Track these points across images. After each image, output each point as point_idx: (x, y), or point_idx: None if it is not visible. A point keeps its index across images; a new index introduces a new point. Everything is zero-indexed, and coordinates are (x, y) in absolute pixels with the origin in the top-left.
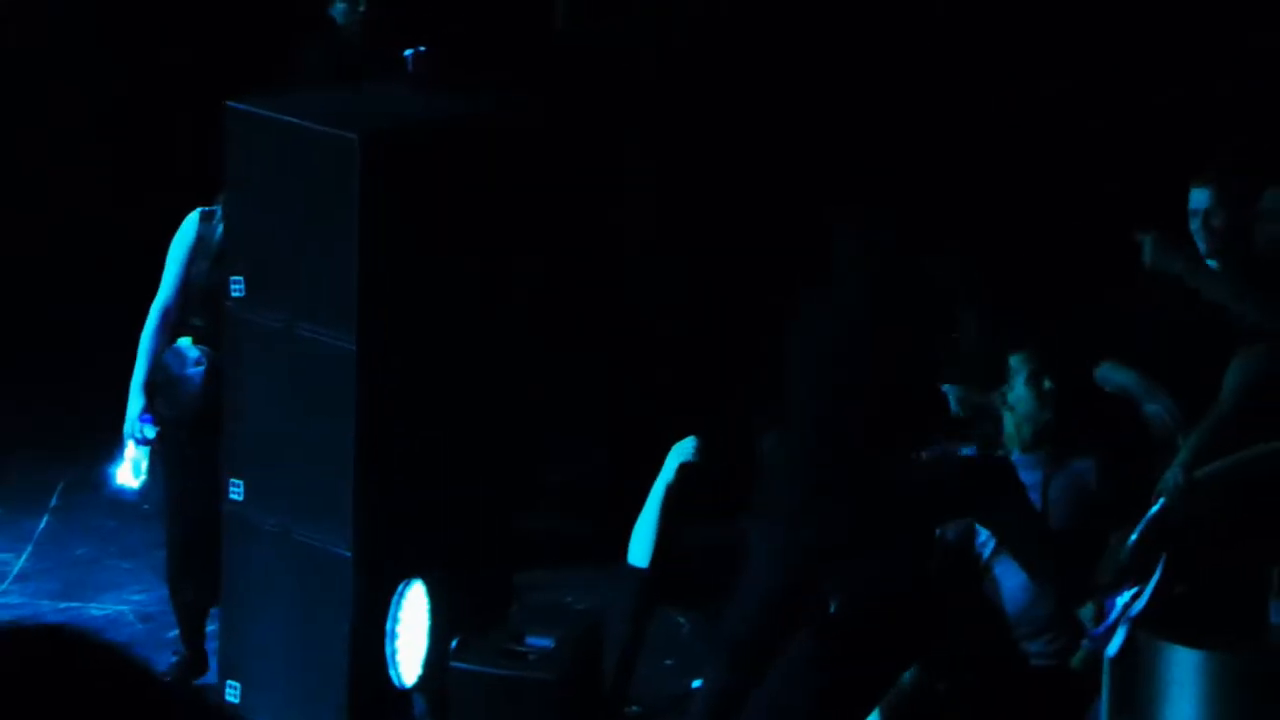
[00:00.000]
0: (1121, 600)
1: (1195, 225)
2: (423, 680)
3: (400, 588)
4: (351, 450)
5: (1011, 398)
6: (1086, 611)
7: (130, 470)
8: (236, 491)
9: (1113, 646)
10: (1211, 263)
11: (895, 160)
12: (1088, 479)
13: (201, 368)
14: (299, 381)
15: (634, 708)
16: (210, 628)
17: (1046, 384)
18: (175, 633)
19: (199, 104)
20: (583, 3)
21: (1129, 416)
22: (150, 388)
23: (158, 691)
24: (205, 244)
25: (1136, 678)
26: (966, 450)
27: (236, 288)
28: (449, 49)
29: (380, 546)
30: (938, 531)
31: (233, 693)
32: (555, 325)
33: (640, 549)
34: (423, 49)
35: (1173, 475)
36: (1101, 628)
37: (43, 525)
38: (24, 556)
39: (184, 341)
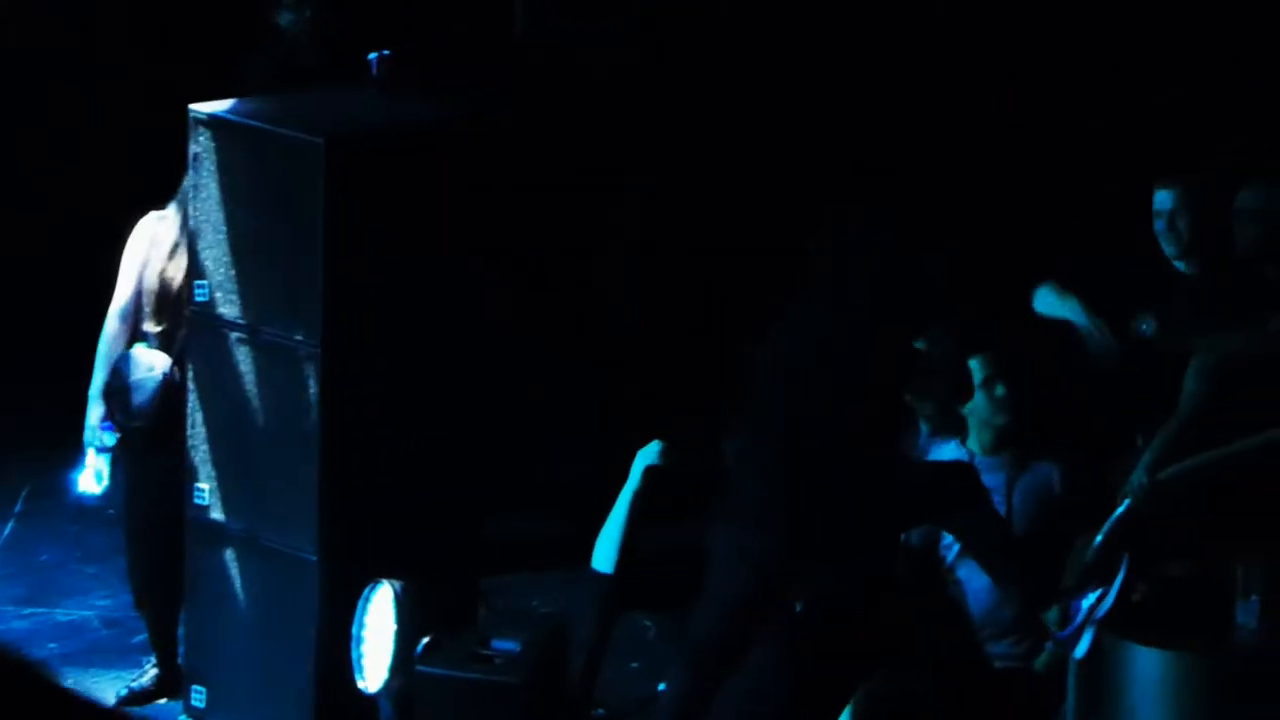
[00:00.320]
0: (1087, 602)
1: (1160, 226)
2: (389, 684)
3: (366, 591)
4: (316, 454)
5: (970, 403)
6: (1052, 615)
7: (92, 477)
8: (201, 496)
9: (1080, 649)
10: (1179, 264)
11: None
12: (1052, 481)
13: (155, 373)
14: (264, 385)
15: (599, 711)
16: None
17: (999, 389)
18: (141, 638)
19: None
20: (542, 6)
21: (1093, 419)
22: (108, 394)
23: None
24: (158, 248)
25: (1102, 679)
26: (946, 448)
27: (200, 292)
28: (413, 52)
29: (346, 550)
30: (902, 535)
31: (198, 698)
32: (527, 328)
33: (605, 554)
34: (387, 52)
35: (1137, 477)
36: (1068, 630)
37: (7, 531)
38: None
39: (139, 347)
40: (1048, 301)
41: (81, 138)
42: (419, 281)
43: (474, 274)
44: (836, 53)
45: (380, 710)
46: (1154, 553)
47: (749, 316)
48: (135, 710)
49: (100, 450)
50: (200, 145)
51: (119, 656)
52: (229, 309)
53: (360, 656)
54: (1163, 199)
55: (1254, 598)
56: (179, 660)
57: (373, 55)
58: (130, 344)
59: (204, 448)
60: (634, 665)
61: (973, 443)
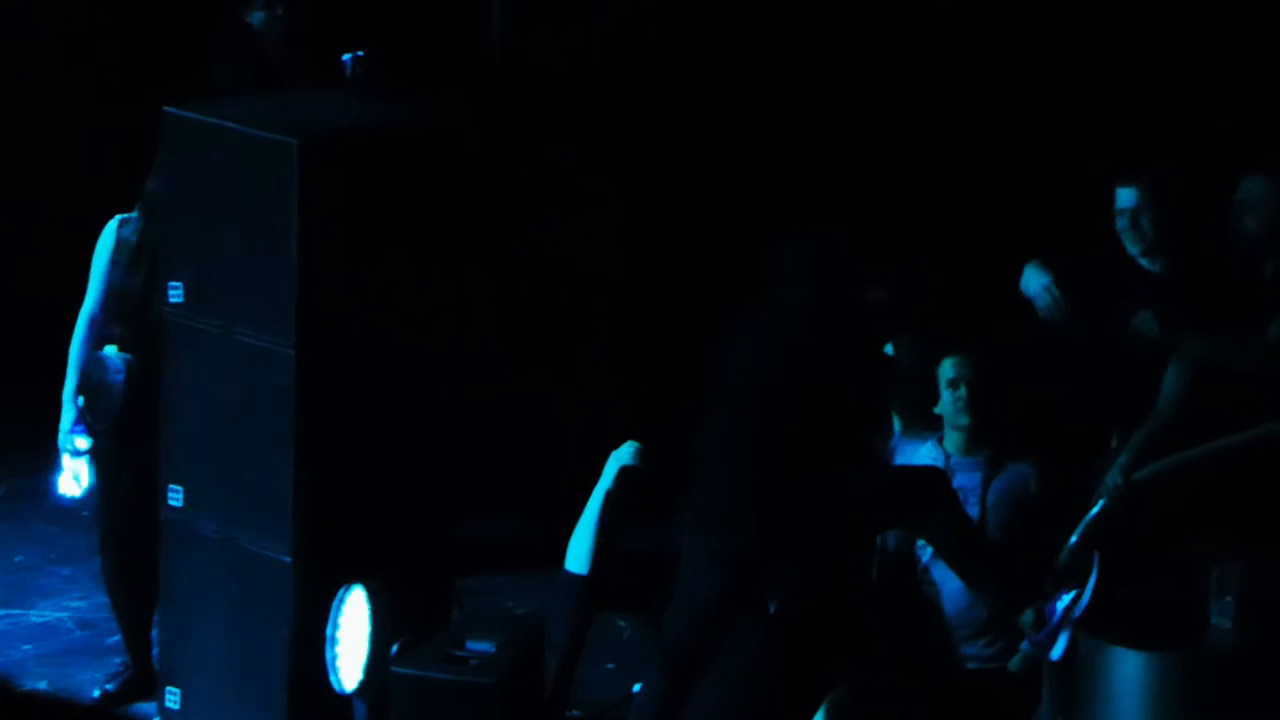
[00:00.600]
0: (1061, 604)
1: (1122, 224)
2: (363, 685)
3: (341, 593)
4: (291, 455)
5: (939, 406)
6: (1027, 617)
7: (70, 479)
8: (175, 498)
9: (1056, 650)
10: (1144, 262)
11: (845, 176)
12: (1027, 482)
13: (122, 375)
14: (238, 387)
15: (575, 712)
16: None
17: (961, 391)
18: (116, 639)
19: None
20: (518, 11)
21: (1069, 420)
22: (78, 397)
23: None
24: (122, 251)
25: (1077, 680)
26: (922, 448)
27: (175, 293)
28: (386, 54)
29: (320, 552)
30: (878, 537)
31: (172, 699)
32: (501, 329)
33: (579, 555)
34: (360, 53)
35: (1111, 477)
36: (1043, 633)
37: None
38: None
39: (108, 349)
40: (1030, 277)
41: (51, 138)
42: (393, 283)
43: (448, 275)
44: (789, 69)
45: (355, 711)
46: (1130, 553)
47: (719, 318)
48: (110, 711)
49: (75, 453)
50: (174, 146)
51: (93, 658)
52: (203, 310)
53: (335, 657)
54: (1125, 196)
55: (1228, 598)
56: (153, 661)
57: (347, 56)
58: (99, 347)
59: (178, 449)
60: (609, 666)
61: (948, 443)
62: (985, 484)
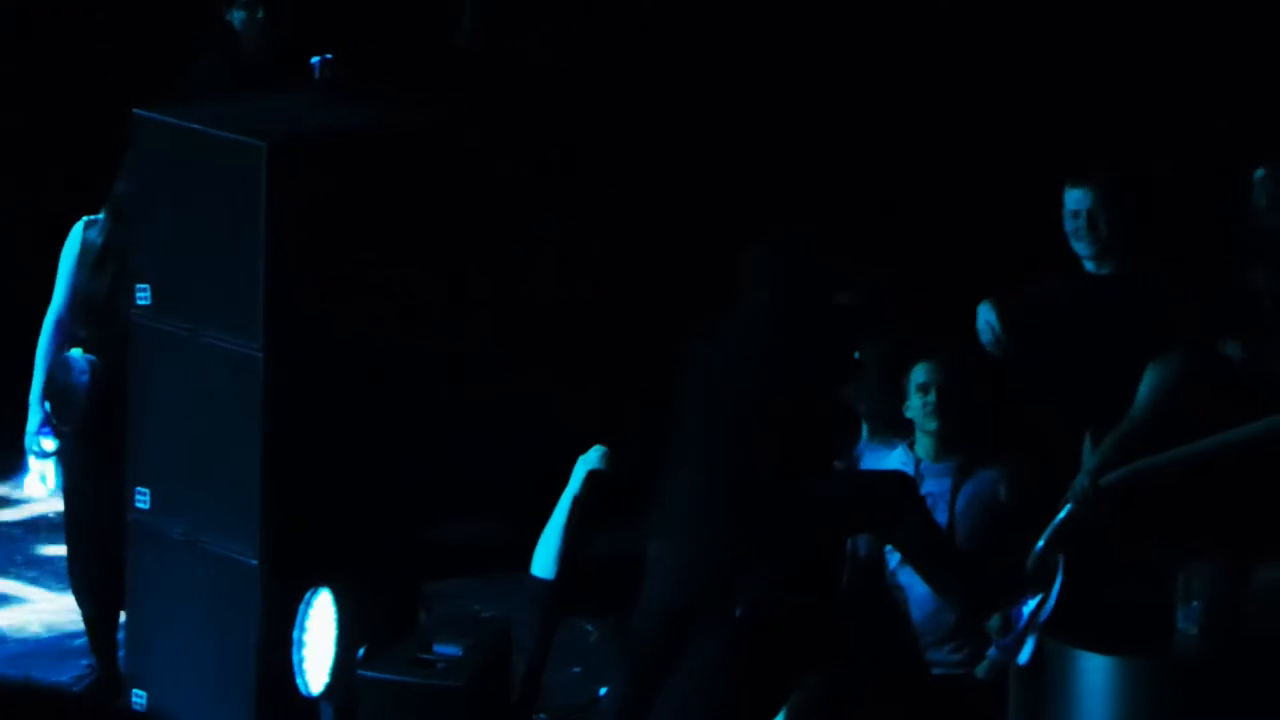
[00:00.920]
0: (1027, 609)
1: (1074, 225)
2: (330, 688)
3: (307, 596)
4: (258, 458)
5: (907, 407)
6: (994, 622)
7: (38, 481)
8: (142, 500)
9: (1023, 655)
10: (1090, 264)
11: (815, 181)
12: (997, 488)
13: (86, 376)
14: (205, 389)
15: (541, 715)
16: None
17: (931, 396)
18: (81, 642)
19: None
20: (488, 14)
21: (1038, 425)
22: (45, 399)
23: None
24: (88, 253)
25: (1044, 685)
26: (892, 454)
27: (142, 296)
28: (357, 56)
29: (287, 555)
30: (848, 542)
31: (139, 701)
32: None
33: (545, 560)
34: (329, 56)
35: (1080, 480)
36: (1009, 637)
37: None
38: None
39: (74, 351)
40: (979, 314)
41: (18, 140)
42: (361, 286)
43: (416, 279)
44: (759, 73)
45: (321, 714)
46: (1096, 558)
47: (688, 323)
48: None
49: (41, 455)
50: (141, 148)
51: (58, 660)
52: (171, 313)
53: (301, 661)
54: (1079, 197)
55: (1195, 603)
56: (119, 664)
57: (315, 59)
58: (66, 349)
59: (145, 451)
60: (576, 669)
61: (919, 448)
62: (955, 489)
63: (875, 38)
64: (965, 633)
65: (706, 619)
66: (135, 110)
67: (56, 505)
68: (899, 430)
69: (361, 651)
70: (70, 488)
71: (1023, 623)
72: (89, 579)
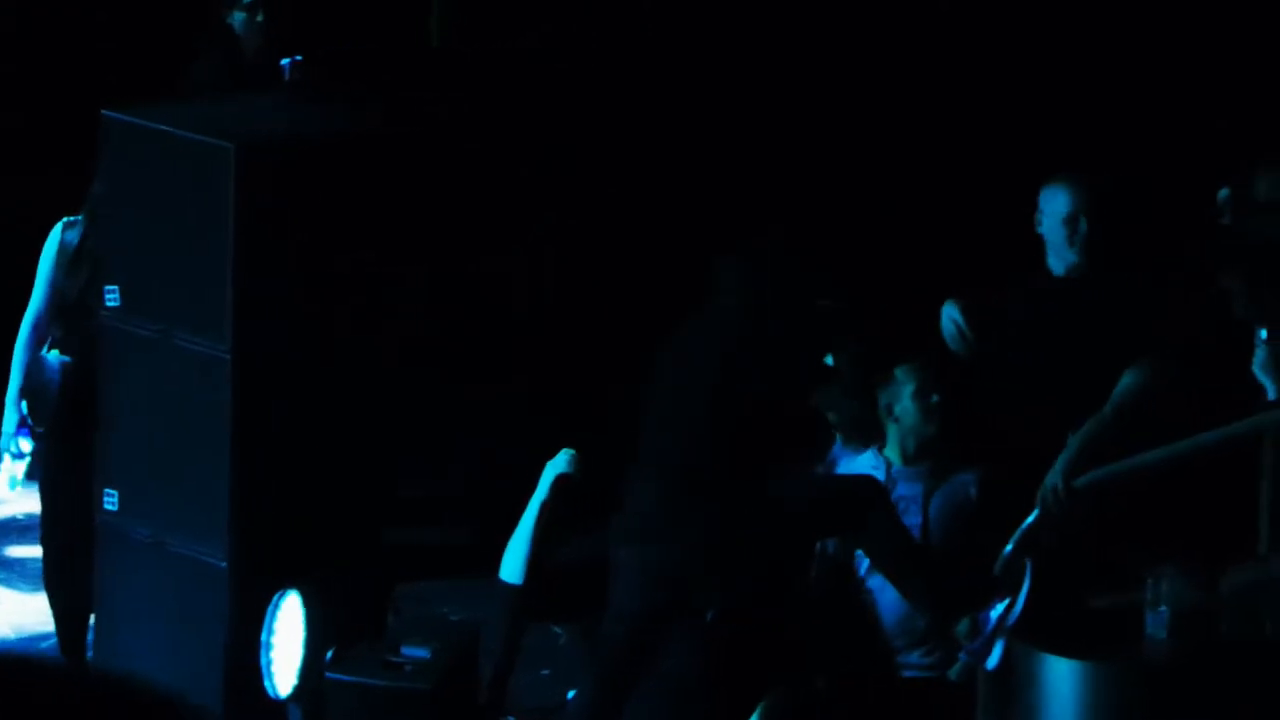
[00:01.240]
0: (995, 613)
1: (1050, 225)
2: (298, 691)
3: (275, 598)
4: (226, 460)
5: (898, 409)
6: (962, 626)
7: (6, 482)
8: (111, 501)
9: (992, 660)
10: (1055, 265)
11: (786, 186)
12: (970, 492)
13: (58, 376)
14: (174, 391)
15: (509, 718)
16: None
17: (934, 399)
18: (50, 643)
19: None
20: (458, 18)
21: (1012, 429)
22: (20, 399)
23: None
24: (65, 254)
25: (1011, 688)
26: (861, 457)
27: (111, 297)
28: (327, 57)
29: (255, 557)
30: (817, 545)
31: None
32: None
33: (513, 565)
34: (299, 58)
35: (1051, 479)
36: (978, 642)
37: None
38: None
39: (52, 353)
40: (944, 313)
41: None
42: (329, 288)
43: (384, 281)
44: (729, 78)
45: (290, 716)
46: (1065, 561)
47: (655, 326)
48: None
49: (17, 455)
50: (111, 149)
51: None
52: (140, 314)
53: (270, 663)
54: (1059, 198)
55: (1163, 608)
56: (86, 663)
57: (285, 60)
58: (43, 349)
59: (114, 452)
60: (544, 672)
61: (892, 452)
62: (928, 494)
63: (857, 45)
64: (935, 637)
65: (675, 624)
66: (103, 111)
67: (27, 506)
68: (869, 436)
69: (330, 654)
70: (46, 488)
71: (990, 627)
72: (61, 578)
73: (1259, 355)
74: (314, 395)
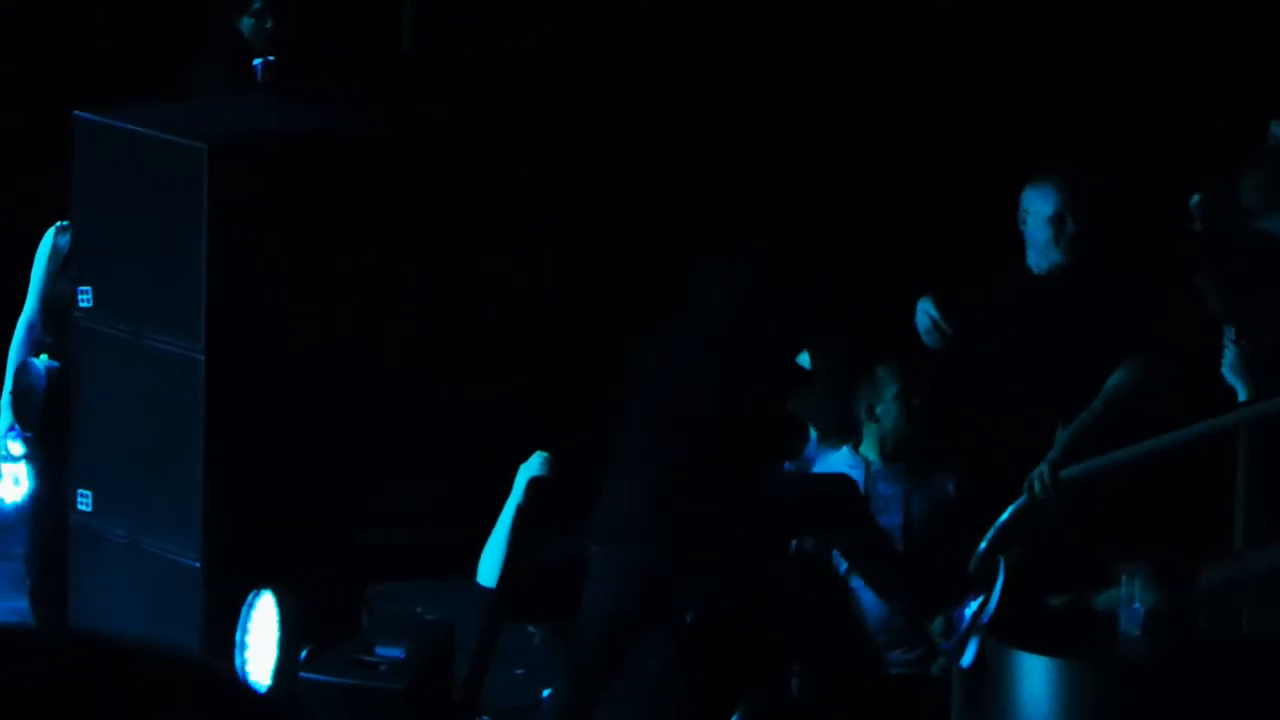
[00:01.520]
0: (969, 611)
1: (1035, 223)
2: (272, 690)
3: (250, 597)
4: (200, 460)
5: (880, 410)
6: (937, 625)
7: (11, 485)
8: (84, 502)
9: (966, 658)
10: (1037, 264)
11: (767, 193)
12: (949, 491)
13: (43, 381)
14: (147, 391)
15: (484, 717)
16: None
17: (916, 400)
18: None
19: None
20: (431, 19)
21: (993, 428)
22: (11, 402)
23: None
24: (56, 258)
25: (986, 686)
26: (836, 455)
27: (84, 298)
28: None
29: (229, 556)
30: (794, 542)
31: None
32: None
33: (490, 569)
34: (271, 59)
35: (1038, 472)
36: (952, 640)
37: None
38: None
39: (40, 358)
40: (919, 310)
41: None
42: (302, 288)
43: (358, 282)
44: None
45: None
46: (1039, 559)
47: (631, 327)
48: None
49: (8, 459)
50: (84, 150)
51: None
52: (113, 315)
53: (244, 662)
54: (1046, 198)
55: (1138, 606)
56: None
57: (258, 61)
58: (36, 353)
59: (88, 453)
60: (519, 671)
61: (870, 450)
62: (907, 493)
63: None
64: (918, 633)
65: (654, 625)
66: (76, 112)
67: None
68: (842, 434)
69: (304, 653)
70: (35, 488)
71: (965, 625)
72: (45, 579)
73: (1228, 356)
74: (287, 395)
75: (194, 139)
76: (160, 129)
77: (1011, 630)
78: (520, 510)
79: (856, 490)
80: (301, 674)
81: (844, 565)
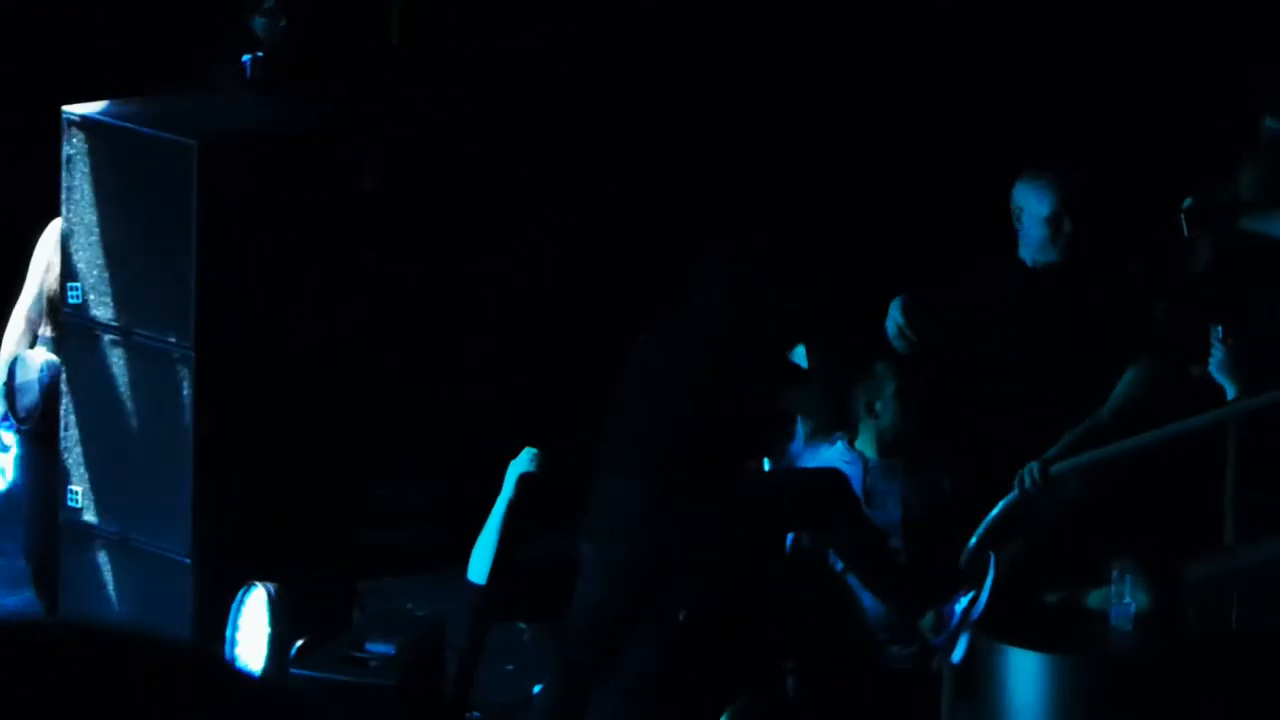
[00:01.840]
0: (960, 606)
1: (1029, 222)
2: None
3: (240, 594)
4: (190, 456)
5: (879, 406)
6: (927, 620)
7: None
8: (74, 498)
9: (957, 653)
10: (1030, 260)
11: (767, 193)
12: (944, 486)
13: (41, 375)
14: (137, 387)
15: (474, 714)
16: None
17: (914, 397)
18: None
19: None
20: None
21: (991, 425)
22: (5, 394)
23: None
24: (58, 253)
25: (977, 682)
26: (831, 450)
27: (74, 294)
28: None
29: (220, 552)
30: (790, 541)
31: None
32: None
33: (480, 566)
34: (259, 55)
35: (1028, 468)
36: (943, 635)
37: None
38: None
39: (31, 349)
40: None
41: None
42: (293, 284)
43: (347, 279)
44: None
45: None
46: (1031, 554)
47: (623, 325)
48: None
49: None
50: (74, 147)
51: None
52: (102, 311)
53: (234, 659)
54: (1041, 196)
55: (1128, 601)
56: None
57: (246, 57)
58: (32, 346)
59: (78, 449)
60: (509, 667)
61: (865, 446)
62: (905, 488)
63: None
64: (907, 630)
65: (643, 623)
66: (65, 108)
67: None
68: (833, 430)
69: (294, 649)
70: (30, 481)
71: (955, 620)
72: (44, 576)
73: (1216, 355)
74: (278, 392)
75: (185, 135)
76: (151, 126)
77: (1002, 626)
78: (511, 506)
79: (847, 483)
80: (292, 670)
81: (840, 564)
